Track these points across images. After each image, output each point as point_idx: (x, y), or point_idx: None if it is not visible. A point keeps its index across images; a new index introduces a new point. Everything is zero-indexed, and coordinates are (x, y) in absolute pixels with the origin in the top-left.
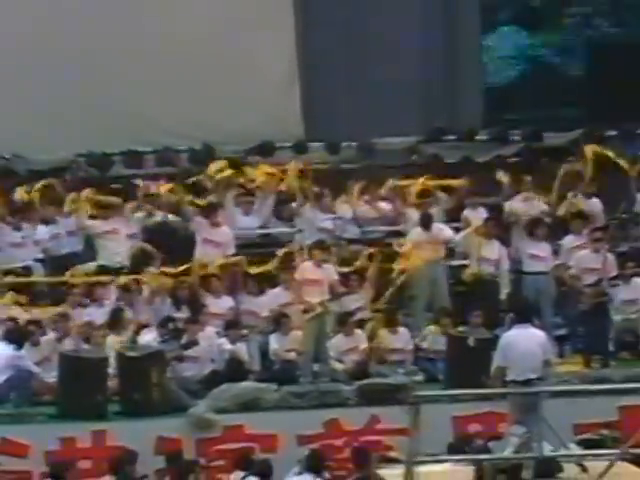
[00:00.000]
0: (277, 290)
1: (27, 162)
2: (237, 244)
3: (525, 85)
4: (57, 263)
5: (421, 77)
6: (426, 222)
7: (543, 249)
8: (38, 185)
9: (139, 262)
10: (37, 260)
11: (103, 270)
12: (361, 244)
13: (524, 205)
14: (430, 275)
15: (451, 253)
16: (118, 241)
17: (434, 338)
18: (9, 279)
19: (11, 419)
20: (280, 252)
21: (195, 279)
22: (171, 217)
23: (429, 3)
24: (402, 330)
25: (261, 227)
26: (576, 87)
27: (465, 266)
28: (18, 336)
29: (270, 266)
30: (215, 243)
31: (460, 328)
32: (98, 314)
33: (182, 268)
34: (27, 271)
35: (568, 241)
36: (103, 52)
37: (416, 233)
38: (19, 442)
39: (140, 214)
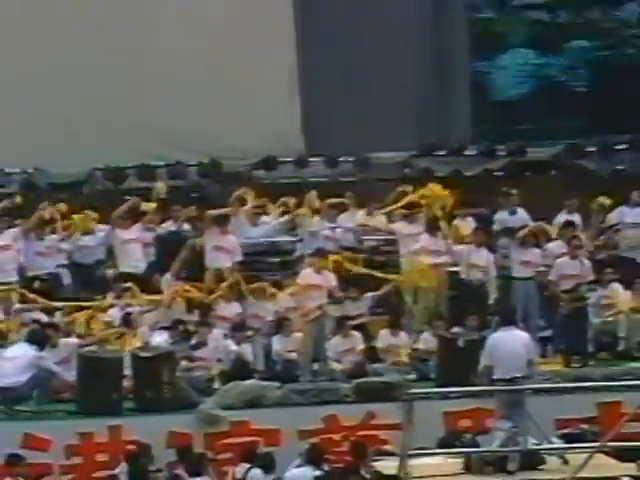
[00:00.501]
0: (280, 295)
1: (47, 176)
2: (243, 252)
3: (535, 99)
4: (82, 270)
5: (414, 96)
6: (432, 228)
7: (533, 256)
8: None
9: (157, 269)
10: (62, 266)
11: (126, 276)
12: (358, 252)
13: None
14: (434, 280)
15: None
16: (137, 249)
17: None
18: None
19: (33, 416)
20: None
21: (211, 285)
22: (185, 227)
23: (423, 27)
24: (402, 333)
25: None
26: (579, 101)
27: (455, 272)
28: (40, 338)
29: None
30: (224, 250)
31: (453, 330)
32: (119, 317)
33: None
34: (54, 277)
35: (555, 248)
36: (116, 73)
37: (422, 239)
38: (41, 437)
39: (166, 224)
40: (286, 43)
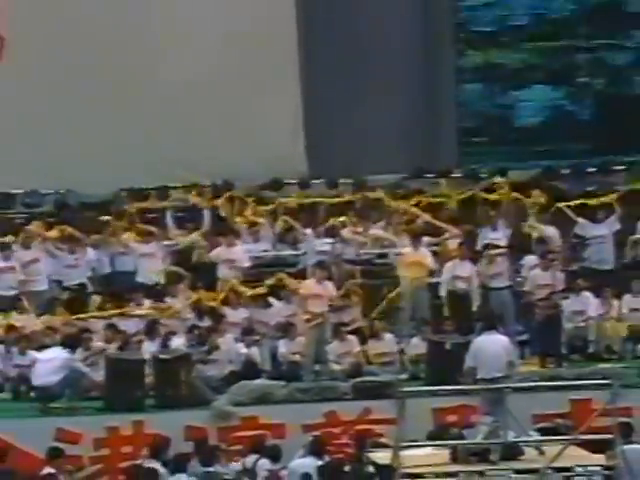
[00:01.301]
0: (282, 303)
1: (78, 196)
2: (254, 264)
3: (549, 126)
4: (107, 281)
5: (407, 123)
6: (416, 244)
7: (498, 267)
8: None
9: (172, 280)
10: (90, 278)
11: (142, 286)
12: (355, 264)
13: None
14: (414, 290)
15: (431, 273)
16: (155, 262)
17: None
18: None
19: (65, 412)
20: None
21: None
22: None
23: (414, 61)
24: (388, 336)
25: (270, 250)
26: (585, 128)
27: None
28: (72, 342)
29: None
30: (233, 261)
31: (439, 335)
32: (131, 324)
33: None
34: (82, 287)
35: (530, 260)
36: (138, 104)
37: (407, 253)
38: (72, 431)
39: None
40: (291, 75)
